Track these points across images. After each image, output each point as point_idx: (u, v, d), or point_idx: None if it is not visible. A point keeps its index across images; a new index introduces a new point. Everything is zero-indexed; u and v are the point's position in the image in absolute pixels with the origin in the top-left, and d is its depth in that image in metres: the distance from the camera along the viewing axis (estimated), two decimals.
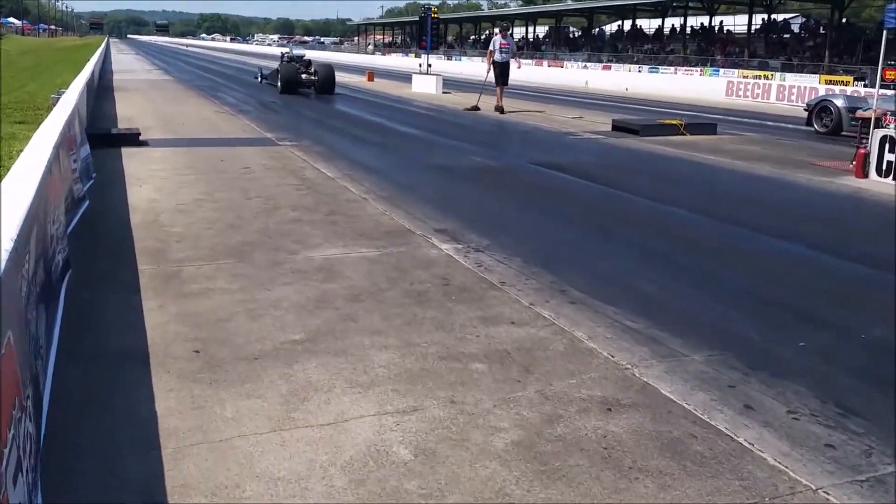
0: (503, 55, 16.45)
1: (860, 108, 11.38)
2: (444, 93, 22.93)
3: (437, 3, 38.46)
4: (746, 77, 28.08)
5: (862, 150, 8.99)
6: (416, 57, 62.44)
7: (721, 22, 43.86)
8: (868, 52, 28.96)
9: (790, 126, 16.08)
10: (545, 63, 47.68)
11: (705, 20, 43.74)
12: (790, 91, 24.43)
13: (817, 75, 27.67)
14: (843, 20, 32.53)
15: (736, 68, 33.64)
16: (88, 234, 5.68)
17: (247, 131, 12.45)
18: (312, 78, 20.62)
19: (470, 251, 5.61)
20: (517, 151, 11.68)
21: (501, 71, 16.59)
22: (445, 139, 12.73)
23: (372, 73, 29.60)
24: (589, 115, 16.67)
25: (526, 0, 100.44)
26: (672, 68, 37.31)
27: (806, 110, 14.82)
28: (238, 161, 9.29)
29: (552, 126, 14.76)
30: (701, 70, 35.11)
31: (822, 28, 33.90)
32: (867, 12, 41.04)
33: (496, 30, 18.75)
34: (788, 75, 28.96)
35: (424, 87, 23.22)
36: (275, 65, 22.18)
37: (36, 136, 5.21)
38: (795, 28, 38.43)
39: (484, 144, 12.04)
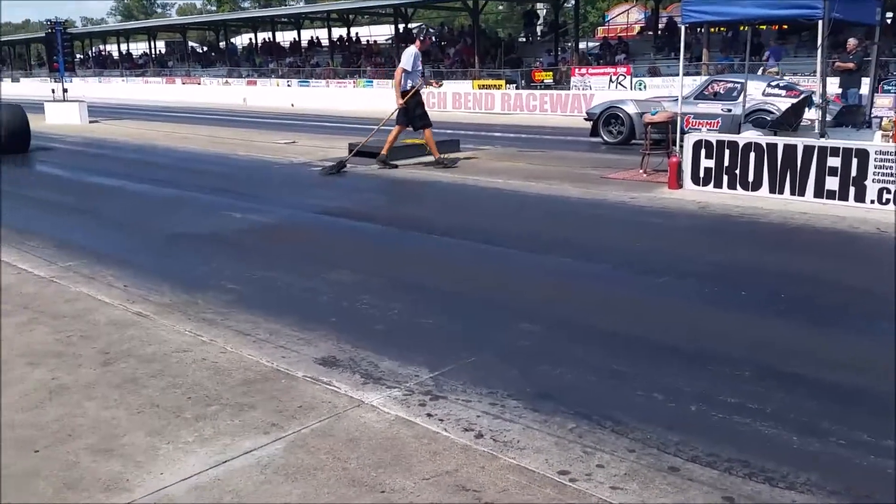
0: (417, 77, 10.47)
1: (649, 113, 10.35)
2: (91, 122, 18.84)
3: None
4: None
5: (675, 159, 8.25)
6: (12, 82, 53.44)
7: (357, 33, 44.00)
8: (508, 56, 30.82)
9: (547, 137, 15.13)
10: (178, 80, 43.57)
11: (343, 32, 43.50)
12: (466, 98, 24.61)
13: (470, 81, 28.56)
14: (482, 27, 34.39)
15: (388, 79, 33.59)
16: None
17: None
18: None
19: (424, 399, 3.33)
20: (272, 197, 8.69)
21: (419, 103, 10.45)
22: (163, 188, 9.57)
23: None
24: (301, 140, 14.39)
25: (125, 16, 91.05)
26: (323, 81, 36.25)
27: (588, 119, 13.49)
28: None
29: (274, 157, 12.22)
30: (354, 82, 34.55)
31: (457, 35, 35.45)
32: (489, 19, 44.41)
33: (414, 40, 11.72)
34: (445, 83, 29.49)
35: (65, 118, 18.78)
36: None
37: None
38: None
39: (221, 191, 9.09)
